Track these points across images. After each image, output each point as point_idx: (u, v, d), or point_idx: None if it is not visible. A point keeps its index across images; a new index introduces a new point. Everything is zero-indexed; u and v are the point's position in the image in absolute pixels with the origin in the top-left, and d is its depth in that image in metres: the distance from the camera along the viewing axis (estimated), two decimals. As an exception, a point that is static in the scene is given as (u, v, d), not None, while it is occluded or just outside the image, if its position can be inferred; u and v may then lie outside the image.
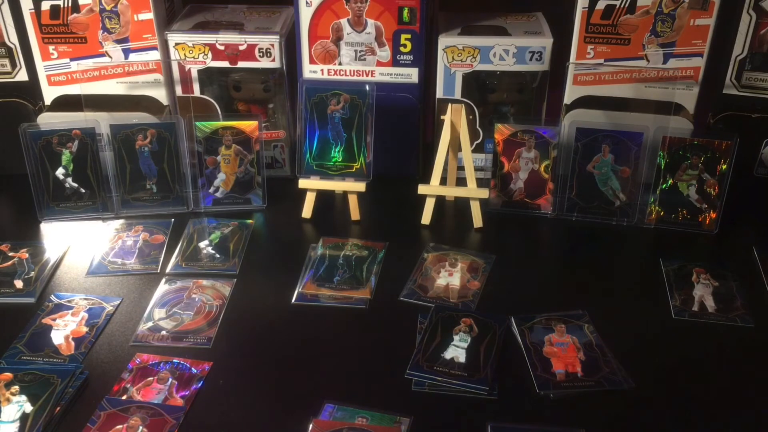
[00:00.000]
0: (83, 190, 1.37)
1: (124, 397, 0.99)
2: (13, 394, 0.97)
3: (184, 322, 1.13)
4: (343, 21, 1.36)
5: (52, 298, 1.17)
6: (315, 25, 1.37)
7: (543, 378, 1.02)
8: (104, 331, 1.11)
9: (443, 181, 1.35)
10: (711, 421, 0.96)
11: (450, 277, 1.22)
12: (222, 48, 1.39)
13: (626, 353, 1.06)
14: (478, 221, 1.35)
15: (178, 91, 1.43)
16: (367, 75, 1.41)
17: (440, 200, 1.40)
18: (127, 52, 1.41)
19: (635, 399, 0.99)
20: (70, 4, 1.36)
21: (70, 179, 1.36)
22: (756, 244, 1.29)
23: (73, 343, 1.08)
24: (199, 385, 1.01)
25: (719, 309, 1.15)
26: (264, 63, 1.40)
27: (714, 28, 1.32)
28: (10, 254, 1.27)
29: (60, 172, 1.36)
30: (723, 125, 1.39)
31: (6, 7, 1.37)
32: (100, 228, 1.36)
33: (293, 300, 1.17)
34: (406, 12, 1.35)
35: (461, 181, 1.36)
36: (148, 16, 1.37)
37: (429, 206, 1.36)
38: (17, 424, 0.94)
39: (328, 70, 1.41)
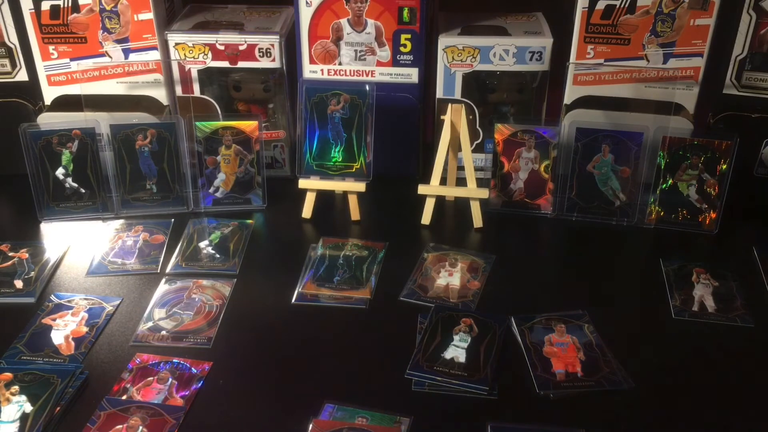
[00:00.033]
0: (83, 190, 1.37)
1: (124, 397, 0.99)
2: (13, 394, 0.98)
3: (184, 322, 1.13)
4: (343, 21, 1.36)
5: (52, 298, 1.17)
6: (315, 25, 1.37)
7: (543, 378, 1.02)
8: (104, 331, 1.11)
9: (443, 181, 1.35)
10: (711, 421, 0.96)
11: (450, 277, 1.22)
12: (222, 48, 1.39)
13: (626, 353, 1.06)
14: (478, 221, 1.35)
15: (178, 91, 1.43)
16: (367, 75, 1.41)
17: (440, 200, 1.40)
18: (127, 52, 1.41)
19: (635, 399, 0.99)
20: (70, 4, 1.36)
21: (70, 179, 1.36)
22: (756, 244, 1.29)
23: (73, 343, 1.08)
24: (199, 385, 1.01)
25: (719, 309, 1.15)
26: (264, 63, 1.40)
27: (714, 28, 1.32)
28: (10, 254, 1.27)
29: (60, 172, 1.36)
30: (723, 125, 1.39)
31: (6, 7, 1.37)
32: (100, 228, 1.36)
33: (293, 300, 1.17)
34: (406, 12, 1.35)
35: (461, 181, 1.36)
36: (148, 16, 1.37)
37: (429, 206, 1.36)
38: (17, 424, 0.94)
39: (328, 70, 1.41)
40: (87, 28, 1.38)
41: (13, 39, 1.40)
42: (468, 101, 1.41)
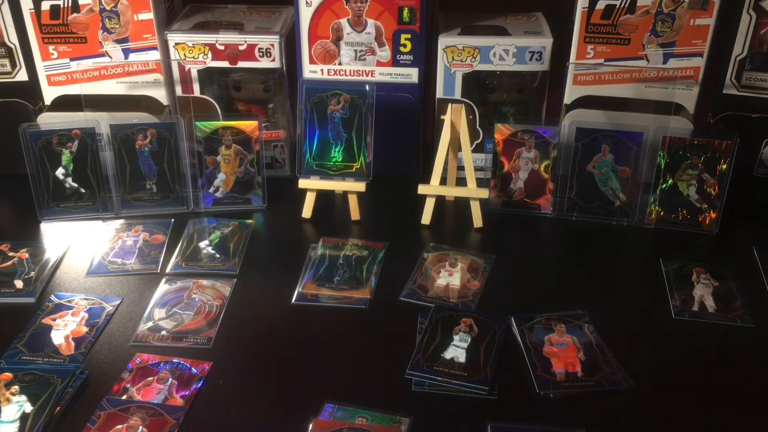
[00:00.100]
0: (83, 190, 1.37)
1: (124, 397, 0.99)
2: (13, 394, 0.98)
3: (184, 322, 1.13)
4: (343, 21, 1.36)
5: (52, 298, 1.17)
6: (315, 25, 1.37)
7: (543, 378, 1.02)
8: (104, 331, 1.11)
9: (443, 181, 1.35)
10: (711, 421, 0.96)
11: (450, 277, 1.22)
12: (222, 48, 1.39)
13: (626, 353, 1.06)
14: (478, 221, 1.35)
15: (178, 91, 1.43)
16: (367, 75, 1.41)
17: (440, 200, 1.40)
18: (127, 52, 1.41)
19: (635, 399, 0.99)
20: (70, 4, 1.36)
21: (70, 179, 1.36)
22: (756, 244, 1.29)
23: (73, 343, 1.08)
24: (199, 385, 1.01)
25: (719, 309, 1.15)
26: (264, 63, 1.40)
27: (714, 28, 1.32)
28: (10, 254, 1.27)
29: (60, 172, 1.36)
30: (723, 125, 1.39)
31: (6, 7, 1.37)
32: (100, 228, 1.36)
33: (293, 300, 1.17)
34: (406, 12, 1.35)
35: (461, 181, 1.36)
36: (148, 16, 1.37)
37: (429, 206, 1.36)
38: (17, 424, 0.94)
39: (328, 70, 1.41)
40: (87, 28, 1.38)
41: (13, 39, 1.40)
42: (468, 101, 1.41)
